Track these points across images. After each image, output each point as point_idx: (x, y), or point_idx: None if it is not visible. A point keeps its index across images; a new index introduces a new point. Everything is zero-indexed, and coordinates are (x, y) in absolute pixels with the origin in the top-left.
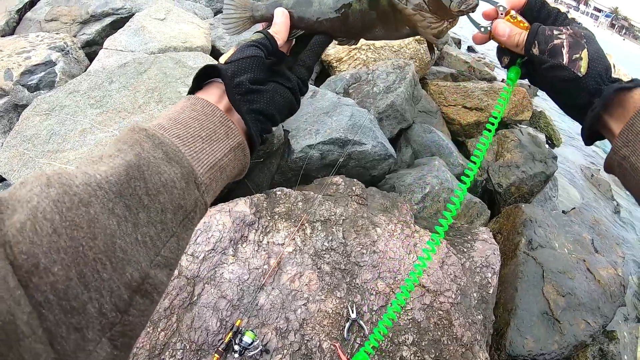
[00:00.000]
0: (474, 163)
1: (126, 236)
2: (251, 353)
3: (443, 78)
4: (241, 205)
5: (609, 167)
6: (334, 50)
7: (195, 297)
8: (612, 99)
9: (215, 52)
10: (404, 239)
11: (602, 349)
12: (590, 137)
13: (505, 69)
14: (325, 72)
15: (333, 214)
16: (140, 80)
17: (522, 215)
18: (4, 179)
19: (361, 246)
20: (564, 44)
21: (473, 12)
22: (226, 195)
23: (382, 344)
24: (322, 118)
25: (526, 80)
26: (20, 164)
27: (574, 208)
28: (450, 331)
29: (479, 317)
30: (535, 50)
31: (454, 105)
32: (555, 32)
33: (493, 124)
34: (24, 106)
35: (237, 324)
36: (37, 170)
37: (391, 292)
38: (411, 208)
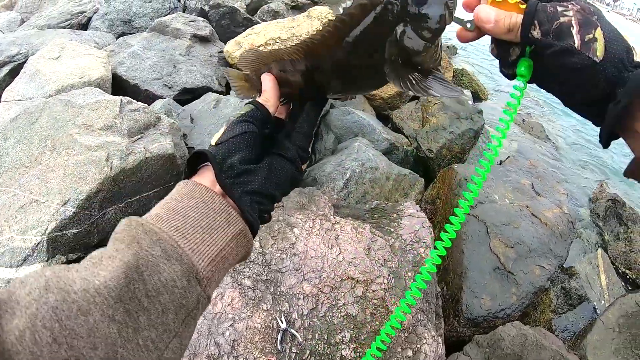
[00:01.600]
0: (483, 167)
1: (127, 343)
2: None
3: None
4: None
5: (631, 173)
6: (238, 53)
7: None
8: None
9: (116, 79)
10: (324, 234)
11: (564, 287)
12: (608, 137)
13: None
14: None
15: None
16: (33, 130)
17: (456, 176)
18: None
19: (280, 251)
20: (573, 22)
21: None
22: None
23: (319, 347)
24: None
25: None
26: None
27: (509, 157)
28: (389, 318)
29: (417, 295)
30: (536, 33)
31: None
32: (560, 9)
33: (502, 130)
34: None
35: None
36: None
37: (319, 292)
38: (330, 199)
